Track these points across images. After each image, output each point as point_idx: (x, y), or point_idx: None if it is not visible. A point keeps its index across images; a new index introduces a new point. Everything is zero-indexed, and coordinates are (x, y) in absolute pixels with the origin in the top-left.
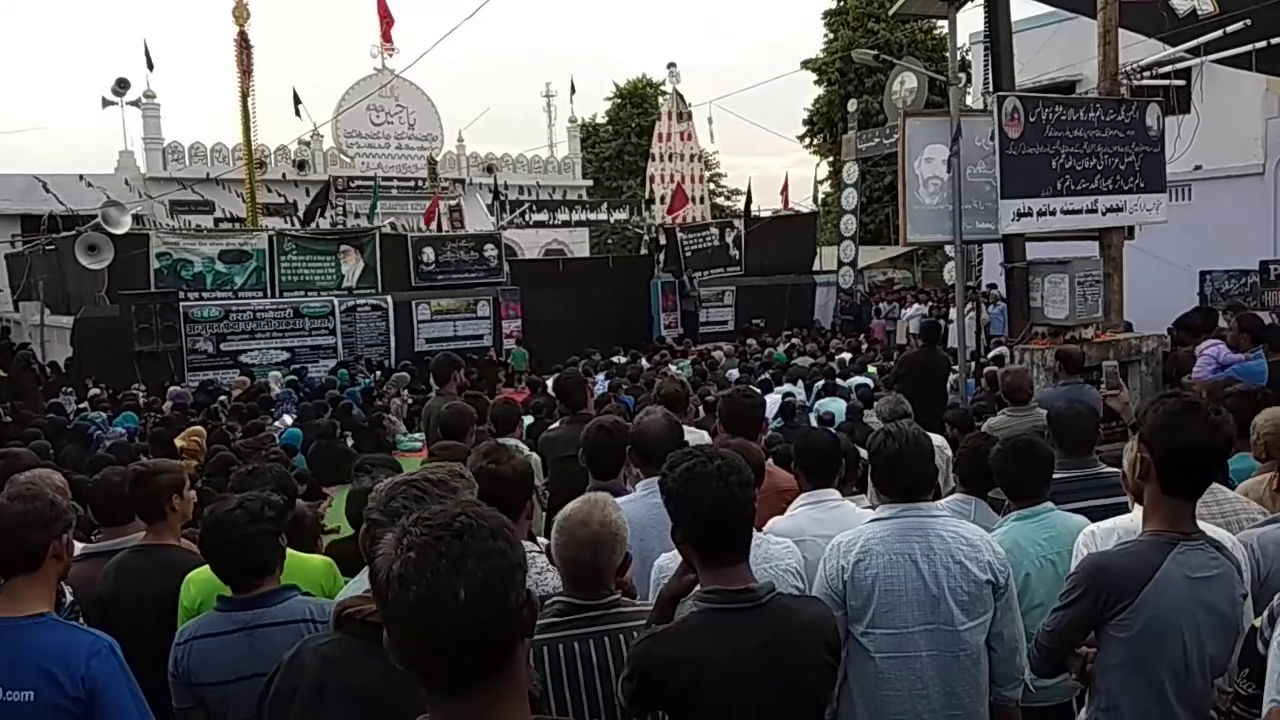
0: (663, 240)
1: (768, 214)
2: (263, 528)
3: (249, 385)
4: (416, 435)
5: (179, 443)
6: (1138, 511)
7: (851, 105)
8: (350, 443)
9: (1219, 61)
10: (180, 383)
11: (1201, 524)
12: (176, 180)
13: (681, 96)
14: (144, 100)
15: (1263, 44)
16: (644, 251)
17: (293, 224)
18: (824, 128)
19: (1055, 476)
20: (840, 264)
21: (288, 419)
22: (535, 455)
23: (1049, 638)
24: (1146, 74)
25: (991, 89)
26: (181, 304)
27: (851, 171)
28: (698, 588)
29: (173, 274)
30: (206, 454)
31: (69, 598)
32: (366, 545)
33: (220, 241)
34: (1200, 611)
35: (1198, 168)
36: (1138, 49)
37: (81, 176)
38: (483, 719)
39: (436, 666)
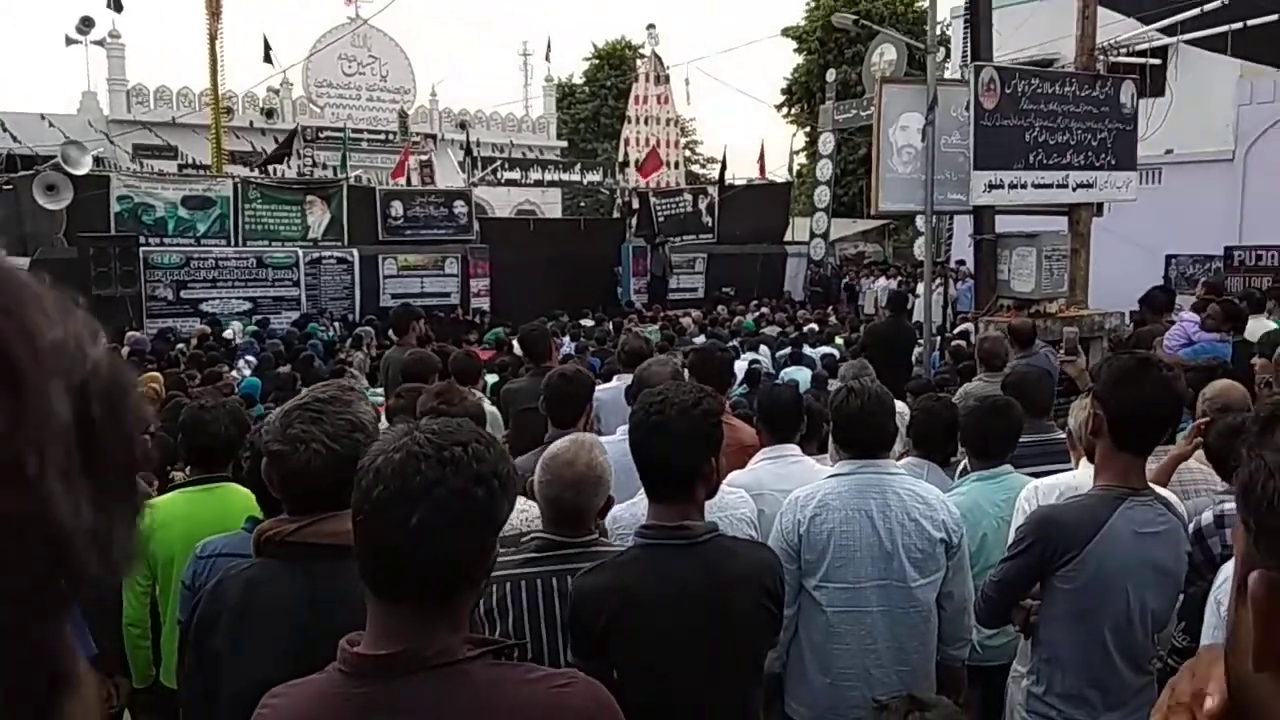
0: (635, 204)
1: (742, 182)
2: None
3: (208, 334)
4: (378, 389)
5: None
6: (1081, 469)
7: (830, 75)
8: None
9: (1193, 42)
10: (138, 329)
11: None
12: (140, 123)
13: (660, 59)
14: (109, 40)
15: (1239, 25)
16: (616, 215)
17: (259, 172)
18: (802, 97)
19: None
20: (812, 235)
21: (246, 370)
22: (495, 410)
23: (995, 588)
24: (1123, 51)
25: (969, 61)
26: (142, 249)
27: (827, 142)
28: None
29: (133, 218)
30: (162, 401)
31: None
32: (272, 477)
33: (183, 187)
34: (1145, 566)
35: (1169, 151)
36: (1115, 28)
37: (43, 116)
38: (405, 631)
39: (374, 567)
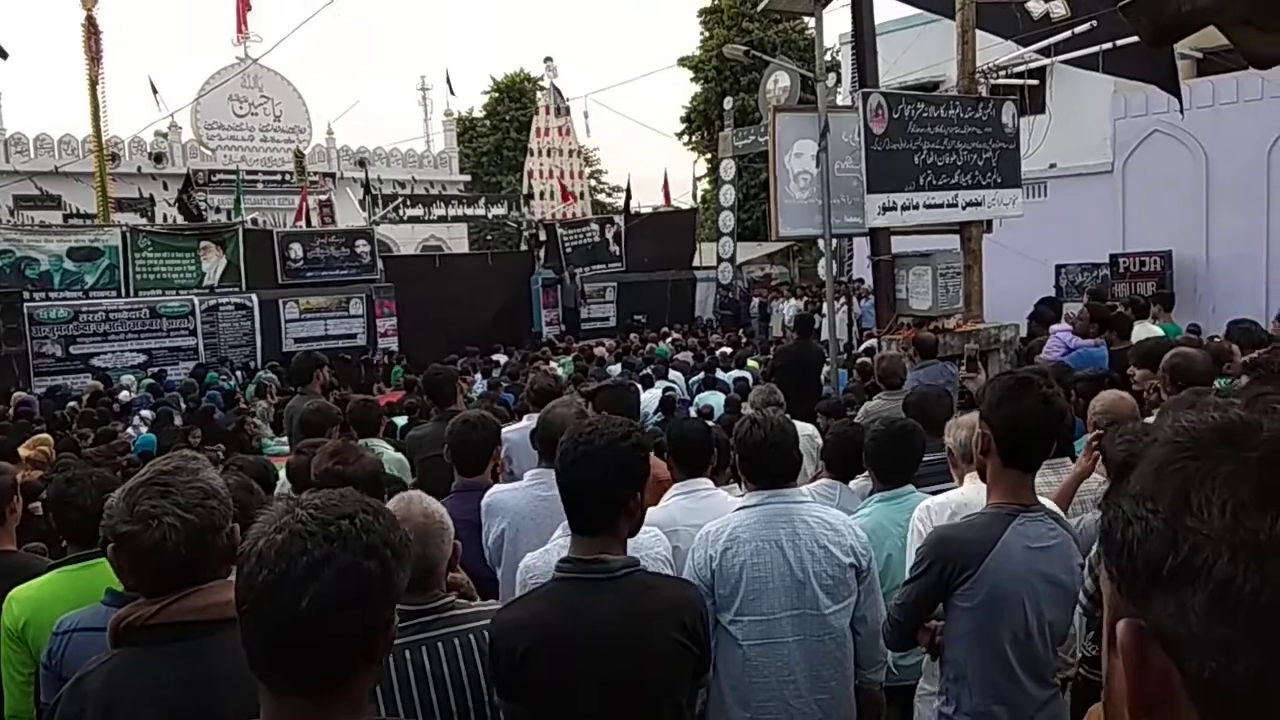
0: (543, 236)
1: (648, 210)
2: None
3: (100, 390)
4: (283, 439)
5: (24, 452)
6: (968, 485)
7: (728, 103)
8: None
9: (1068, 63)
10: (26, 389)
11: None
12: (20, 173)
13: (559, 91)
14: None
15: (1109, 45)
16: (524, 248)
17: (151, 219)
18: (702, 125)
19: None
20: (719, 260)
21: (143, 427)
22: (400, 455)
23: (900, 611)
24: (1002, 74)
25: (857, 87)
26: (26, 305)
27: (728, 168)
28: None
29: (16, 273)
30: (53, 464)
31: None
32: (121, 562)
33: (69, 238)
34: (1039, 580)
35: (1052, 166)
36: (996, 50)
37: None
38: None
39: (264, 659)
